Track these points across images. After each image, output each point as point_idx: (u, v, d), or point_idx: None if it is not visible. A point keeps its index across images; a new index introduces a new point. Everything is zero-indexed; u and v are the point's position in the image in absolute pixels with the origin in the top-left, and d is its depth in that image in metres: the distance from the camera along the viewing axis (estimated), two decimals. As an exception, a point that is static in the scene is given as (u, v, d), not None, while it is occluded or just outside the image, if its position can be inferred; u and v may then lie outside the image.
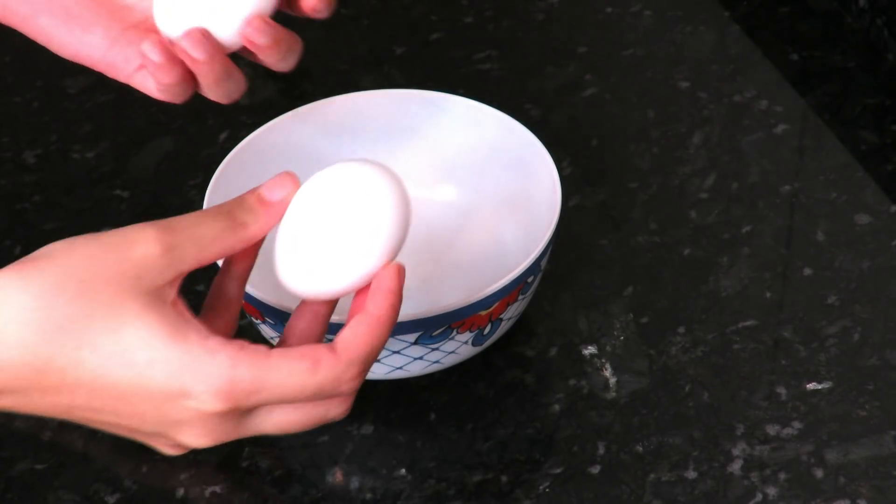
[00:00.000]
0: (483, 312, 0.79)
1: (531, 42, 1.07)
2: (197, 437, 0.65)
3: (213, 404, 0.63)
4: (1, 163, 1.01)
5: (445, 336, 0.78)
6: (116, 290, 0.63)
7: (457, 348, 0.80)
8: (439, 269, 0.89)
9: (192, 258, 0.66)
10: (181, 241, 0.66)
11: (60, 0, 0.75)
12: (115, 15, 0.75)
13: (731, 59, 1.03)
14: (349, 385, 0.65)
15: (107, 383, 0.63)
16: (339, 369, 0.64)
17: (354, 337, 0.65)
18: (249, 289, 0.78)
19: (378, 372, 0.80)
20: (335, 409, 0.67)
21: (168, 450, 0.68)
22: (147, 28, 0.75)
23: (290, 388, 0.64)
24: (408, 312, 0.76)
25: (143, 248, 0.65)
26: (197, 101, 1.05)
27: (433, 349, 0.79)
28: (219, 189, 0.84)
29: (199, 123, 1.02)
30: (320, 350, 0.64)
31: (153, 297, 0.64)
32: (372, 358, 0.66)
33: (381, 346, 0.66)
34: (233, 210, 0.68)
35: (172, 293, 0.65)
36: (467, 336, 0.80)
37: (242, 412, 0.65)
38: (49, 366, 0.63)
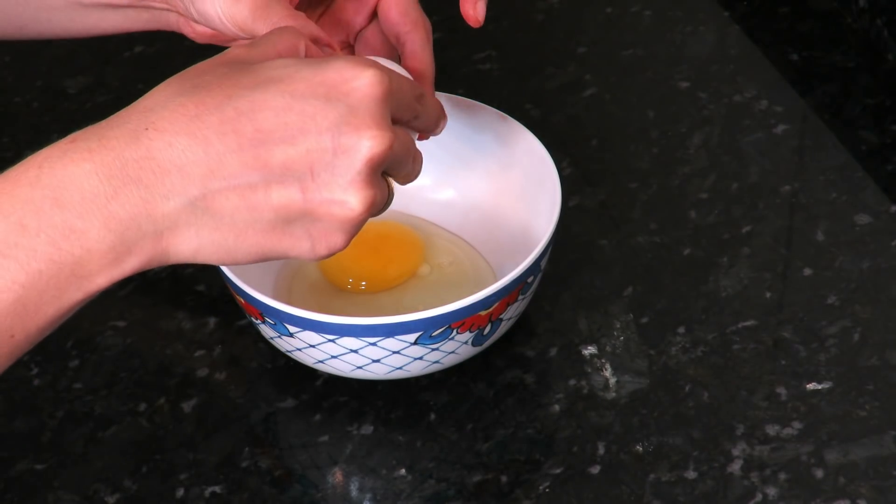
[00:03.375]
0: (483, 312, 0.79)
1: (531, 42, 1.07)
2: (370, 120, 0.67)
3: (378, 80, 0.67)
4: (1, 163, 1.00)
5: (445, 336, 0.78)
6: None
7: (457, 348, 0.80)
8: (442, 271, 0.89)
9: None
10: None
11: None
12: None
13: (731, 59, 1.03)
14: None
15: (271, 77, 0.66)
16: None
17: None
18: (248, 289, 0.78)
19: (378, 372, 0.80)
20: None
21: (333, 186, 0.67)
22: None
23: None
24: (408, 313, 0.77)
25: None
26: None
27: (433, 349, 0.79)
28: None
29: (199, 123, 1.02)
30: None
31: None
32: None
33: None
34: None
35: None
36: (467, 336, 0.80)
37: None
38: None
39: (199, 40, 0.82)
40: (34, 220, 0.63)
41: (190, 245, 0.66)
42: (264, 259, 0.68)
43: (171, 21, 0.82)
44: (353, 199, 0.67)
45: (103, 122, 0.67)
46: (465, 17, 0.81)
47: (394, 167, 0.70)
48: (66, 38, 0.87)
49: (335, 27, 0.83)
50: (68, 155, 0.64)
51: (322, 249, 0.68)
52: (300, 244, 0.68)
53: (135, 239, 0.64)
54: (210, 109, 0.65)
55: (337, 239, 0.68)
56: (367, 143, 0.67)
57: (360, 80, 0.67)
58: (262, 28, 0.74)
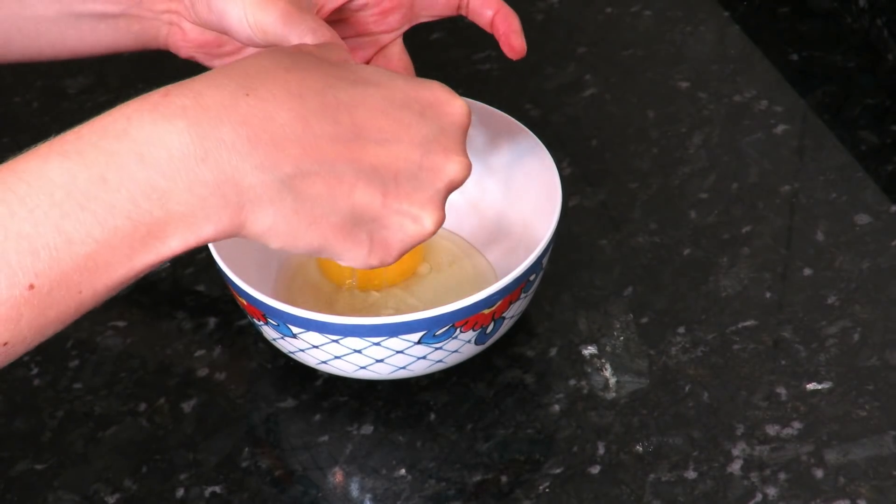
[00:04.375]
0: (486, 311, 0.79)
1: (531, 42, 1.07)
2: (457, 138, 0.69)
3: (467, 111, 0.70)
4: (1, 163, 1.01)
5: (449, 335, 0.78)
6: None
7: (460, 347, 0.80)
8: (441, 270, 0.89)
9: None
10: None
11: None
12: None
13: (731, 59, 1.03)
14: None
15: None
16: None
17: None
18: (251, 290, 0.78)
19: (381, 372, 0.80)
20: None
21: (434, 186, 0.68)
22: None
23: None
24: (411, 313, 0.76)
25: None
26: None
27: (437, 348, 0.79)
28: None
29: (199, 123, 1.02)
30: None
31: None
32: None
33: None
34: None
35: None
36: (470, 335, 0.80)
37: None
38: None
39: (185, 51, 0.81)
40: (116, 174, 0.62)
41: (265, 223, 0.65)
42: (318, 254, 0.67)
43: (160, 34, 0.81)
44: (427, 217, 0.68)
45: (197, 78, 0.65)
46: (507, 53, 0.83)
47: None
48: (53, 59, 0.86)
49: (357, 44, 0.83)
50: (159, 109, 0.63)
51: (374, 259, 0.68)
52: (358, 248, 0.68)
53: (217, 207, 0.63)
54: (313, 92, 0.65)
55: (392, 252, 0.68)
56: (453, 167, 0.68)
57: (453, 106, 0.69)
58: (293, 35, 0.73)
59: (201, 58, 0.81)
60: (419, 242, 0.69)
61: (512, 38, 0.82)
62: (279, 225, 0.65)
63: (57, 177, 0.62)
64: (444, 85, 0.70)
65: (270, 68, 0.65)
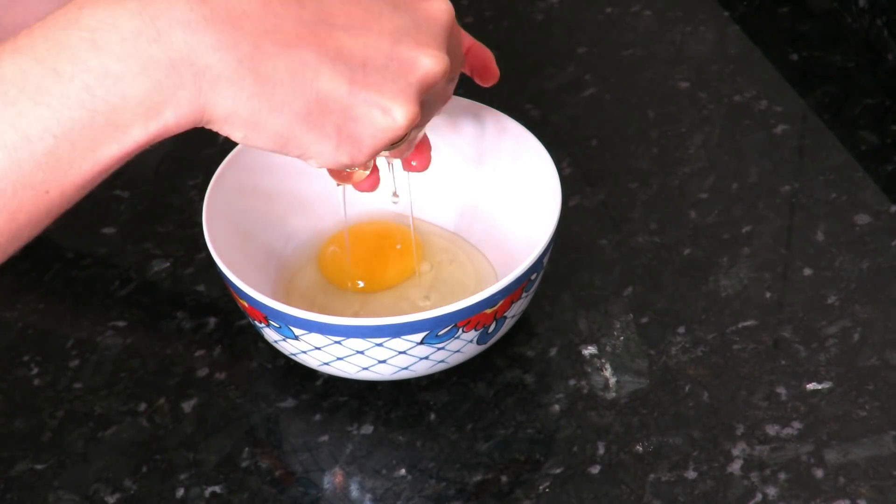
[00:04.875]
0: (489, 310, 0.79)
1: (531, 42, 1.07)
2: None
3: (448, 9, 0.66)
4: (1, 163, 1.01)
5: (451, 335, 0.78)
6: None
7: (462, 347, 0.80)
8: (441, 269, 0.89)
9: None
10: None
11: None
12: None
13: (731, 59, 1.03)
14: None
15: None
16: None
17: None
18: (253, 292, 0.78)
19: (383, 373, 0.80)
20: None
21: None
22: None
23: None
24: (413, 313, 0.76)
25: None
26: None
27: (439, 348, 0.79)
28: (219, 189, 0.84)
29: (199, 123, 1.02)
30: None
31: None
32: None
33: None
34: None
35: None
36: (472, 335, 0.80)
37: None
38: None
39: None
40: (68, 64, 0.60)
41: (225, 106, 0.62)
42: (282, 150, 0.65)
43: None
44: (398, 109, 0.65)
45: None
46: (482, 84, 0.80)
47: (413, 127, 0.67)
48: None
49: None
50: None
51: (343, 155, 0.66)
52: (325, 142, 0.65)
53: (173, 88, 0.61)
54: None
55: (363, 149, 0.66)
56: (427, 61, 0.65)
57: (432, 3, 0.66)
58: None
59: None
60: (392, 139, 0.66)
61: (483, 73, 0.80)
62: (240, 109, 0.63)
63: (10, 74, 0.60)
64: None
65: None
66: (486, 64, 0.79)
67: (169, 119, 0.62)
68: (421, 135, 0.79)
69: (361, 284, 0.87)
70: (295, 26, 0.63)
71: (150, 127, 0.62)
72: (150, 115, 0.62)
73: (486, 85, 0.80)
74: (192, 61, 0.61)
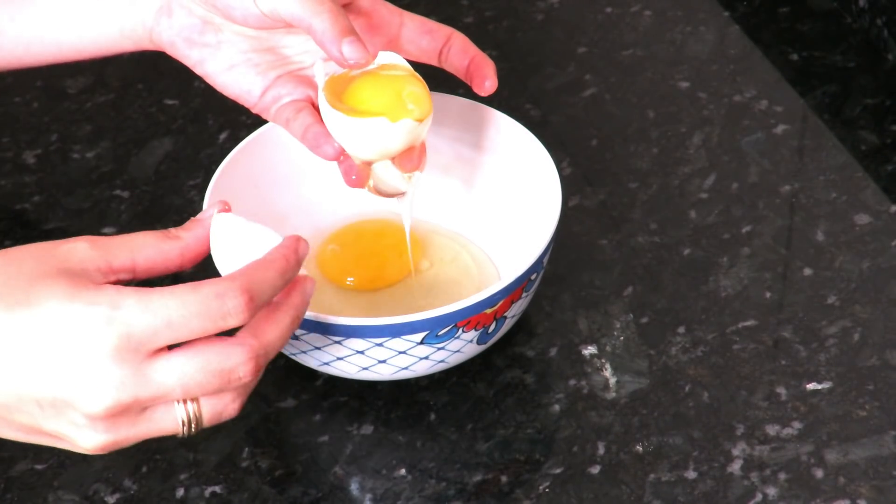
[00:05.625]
0: (489, 310, 0.79)
1: (531, 42, 1.07)
2: (94, 406, 0.65)
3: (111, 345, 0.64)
4: (1, 163, 1.01)
5: (451, 335, 0.78)
6: (39, 263, 0.65)
7: (462, 347, 0.80)
8: (442, 268, 0.89)
9: (123, 253, 0.68)
10: (110, 241, 0.68)
11: (226, 54, 0.82)
12: (272, 64, 0.82)
13: (731, 59, 1.03)
14: (237, 310, 0.65)
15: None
16: (229, 287, 0.65)
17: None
18: None
19: (384, 373, 0.80)
20: (235, 355, 0.66)
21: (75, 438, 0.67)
22: (297, 76, 0.82)
23: (182, 308, 0.65)
24: (413, 313, 0.76)
25: (72, 244, 0.67)
26: (197, 101, 1.05)
27: (439, 348, 0.79)
28: (219, 189, 0.84)
29: (199, 123, 1.02)
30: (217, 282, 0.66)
31: (75, 273, 0.65)
32: (264, 289, 0.67)
33: (276, 285, 0.68)
34: (166, 229, 0.71)
35: (100, 278, 0.66)
36: (472, 335, 0.80)
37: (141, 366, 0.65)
38: None
39: (167, 35, 0.83)
40: None
41: None
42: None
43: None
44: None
45: None
46: (479, 91, 0.83)
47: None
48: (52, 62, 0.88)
49: (374, 31, 0.83)
50: None
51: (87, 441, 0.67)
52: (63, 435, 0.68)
53: None
54: None
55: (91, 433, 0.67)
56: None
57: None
58: (306, 14, 0.76)
59: (180, 45, 0.82)
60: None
61: (482, 81, 0.82)
62: None
63: None
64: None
65: None
66: (483, 73, 0.82)
67: None
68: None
69: (360, 283, 0.87)
70: None
71: None
72: None
73: (482, 94, 0.83)
74: None
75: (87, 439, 0.66)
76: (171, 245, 0.70)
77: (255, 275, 0.67)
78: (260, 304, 0.67)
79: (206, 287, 0.65)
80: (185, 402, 0.66)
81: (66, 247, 0.67)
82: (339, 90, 0.79)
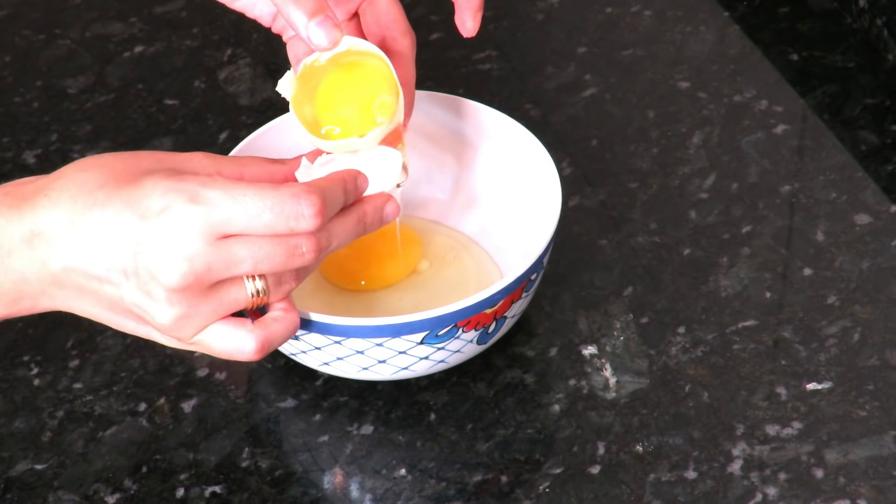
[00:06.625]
0: (489, 310, 0.79)
1: (531, 42, 1.07)
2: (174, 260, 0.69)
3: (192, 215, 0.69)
4: (1, 163, 1.01)
5: (451, 335, 0.78)
6: (156, 161, 0.72)
7: (462, 347, 0.80)
8: (443, 267, 0.89)
9: (233, 167, 0.73)
10: (223, 157, 0.74)
11: None
12: None
13: (731, 59, 1.03)
14: (310, 212, 0.69)
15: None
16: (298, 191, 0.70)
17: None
18: None
19: (384, 373, 0.80)
20: (304, 244, 0.70)
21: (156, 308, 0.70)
22: None
23: (253, 201, 0.69)
24: (414, 313, 0.76)
25: (190, 153, 0.73)
26: (197, 101, 1.05)
27: (439, 348, 0.79)
28: (219, 189, 0.84)
29: (199, 123, 1.02)
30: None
31: (188, 173, 0.71)
32: (333, 202, 0.72)
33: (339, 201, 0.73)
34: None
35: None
36: (472, 335, 0.80)
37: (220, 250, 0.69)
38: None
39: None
40: None
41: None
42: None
43: None
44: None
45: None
46: (458, 27, 0.82)
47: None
48: None
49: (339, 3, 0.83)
50: None
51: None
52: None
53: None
54: None
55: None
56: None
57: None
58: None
59: None
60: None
61: (465, 15, 0.82)
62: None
63: None
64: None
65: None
66: (463, 13, 0.82)
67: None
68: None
69: (361, 283, 0.87)
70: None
71: None
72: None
73: (462, 35, 0.82)
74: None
75: (163, 313, 0.69)
76: (278, 167, 0.76)
77: (327, 187, 0.71)
78: (329, 214, 0.71)
79: (285, 188, 0.69)
80: (253, 278, 0.71)
81: (184, 154, 0.72)
82: (312, 88, 0.78)
